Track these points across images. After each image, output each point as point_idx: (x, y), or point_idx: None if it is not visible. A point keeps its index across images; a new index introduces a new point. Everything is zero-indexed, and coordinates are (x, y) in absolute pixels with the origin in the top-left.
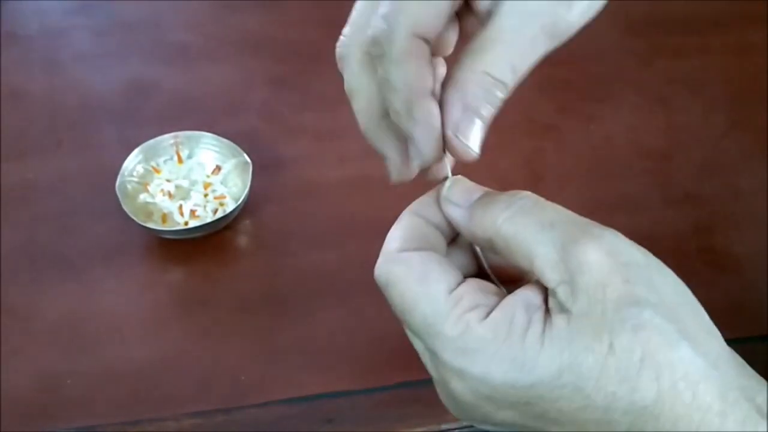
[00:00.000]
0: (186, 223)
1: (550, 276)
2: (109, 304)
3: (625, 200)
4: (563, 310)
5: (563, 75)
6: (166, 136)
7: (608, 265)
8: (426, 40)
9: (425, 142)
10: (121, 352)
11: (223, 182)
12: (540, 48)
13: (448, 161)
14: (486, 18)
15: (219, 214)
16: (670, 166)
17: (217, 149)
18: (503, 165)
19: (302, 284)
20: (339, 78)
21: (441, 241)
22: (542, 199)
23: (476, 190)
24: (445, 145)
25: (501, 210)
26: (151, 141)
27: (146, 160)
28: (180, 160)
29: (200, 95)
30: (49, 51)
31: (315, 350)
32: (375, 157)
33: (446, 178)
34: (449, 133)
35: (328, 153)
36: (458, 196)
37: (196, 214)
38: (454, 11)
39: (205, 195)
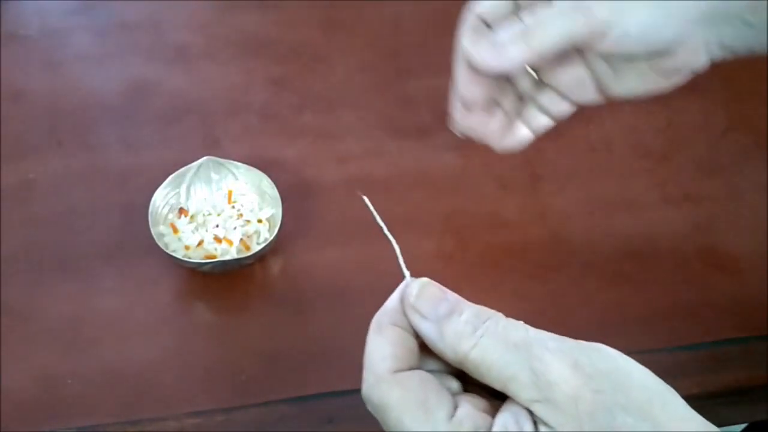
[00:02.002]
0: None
1: (525, 396)
2: (110, 304)
3: (625, 200)
4: (544, 424)
5: None
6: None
7: (575, 379)
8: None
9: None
10: (121, 352)
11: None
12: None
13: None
14: None
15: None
16: (670, 166)
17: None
18: (503, 165)
19: (302, 284)
20: (339, 78)
21: (417, 348)
22: (505, 320)
23: (442, 299)
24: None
25: (469, 335)
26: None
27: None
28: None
29: (200, 96)
30: (50, 51)
31: (315, 350)
32: (375, 156)
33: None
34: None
35: (328, 153)
36: (426, 306)
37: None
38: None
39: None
